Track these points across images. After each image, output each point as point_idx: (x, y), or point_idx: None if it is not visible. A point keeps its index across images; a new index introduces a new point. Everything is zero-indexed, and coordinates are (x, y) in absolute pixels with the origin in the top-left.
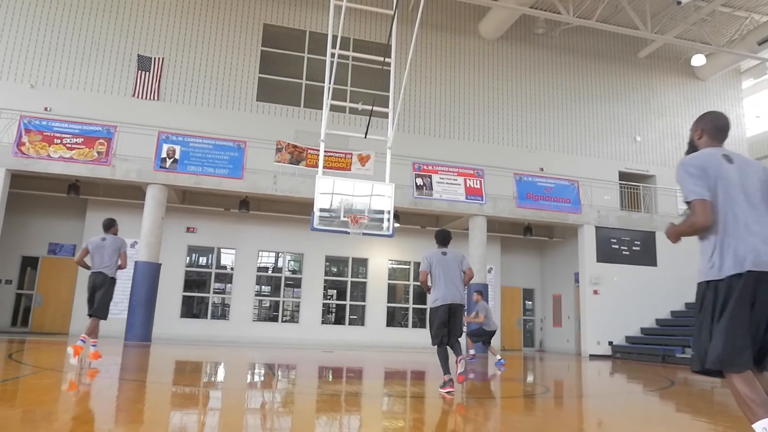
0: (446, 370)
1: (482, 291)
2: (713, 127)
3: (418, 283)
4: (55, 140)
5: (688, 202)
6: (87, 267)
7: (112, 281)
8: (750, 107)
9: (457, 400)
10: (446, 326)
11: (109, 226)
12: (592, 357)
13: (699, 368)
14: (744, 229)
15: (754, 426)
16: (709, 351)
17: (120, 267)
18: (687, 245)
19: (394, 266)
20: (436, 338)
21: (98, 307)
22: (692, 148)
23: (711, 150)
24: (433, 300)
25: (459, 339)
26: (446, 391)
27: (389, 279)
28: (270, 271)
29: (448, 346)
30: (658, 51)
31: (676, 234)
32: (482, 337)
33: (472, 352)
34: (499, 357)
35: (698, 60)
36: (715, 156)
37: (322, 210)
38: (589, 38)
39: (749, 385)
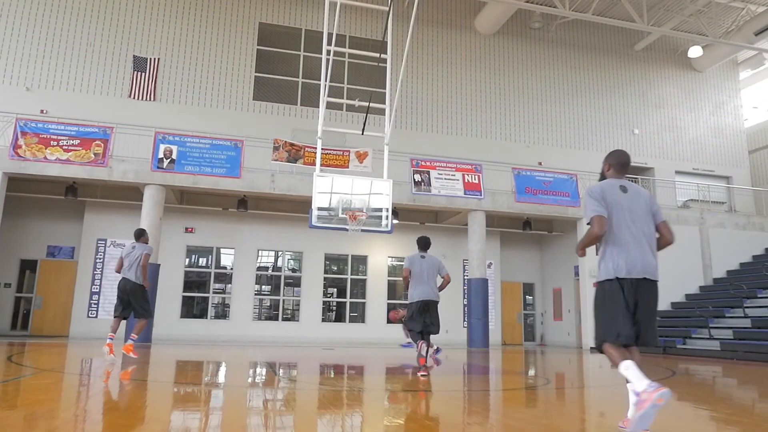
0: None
1: None
2: (618, 163)
3: None
4: (52, 142)
5: (589, 221)
6: None
7: (141, 287)
8: (748, 98)
9: (456, 393)
10: (423, 317)
11: (140, 235)
12: (594, 350)
13: (598, 343)
14: (626, 245)
15: (620, 369)
16: (603, 336)
17: (141, 266)
18: (687, 238)
19: (394, 263)
20: (415, 328)
21: (139, 311)
22: (603, 177)
23: (612, 181)
24: (410, 296)
25: (433, 333)
26: (420, 355)
27: (389, 276)
28: (270, 270)
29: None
30: (654, 43)
31: (581, 247)
32: None
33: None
34: (410, 340)
35: (695, 52)
36: (613, 186)
37: (320, 208)
38: (586, 32)
39: (616, 349)
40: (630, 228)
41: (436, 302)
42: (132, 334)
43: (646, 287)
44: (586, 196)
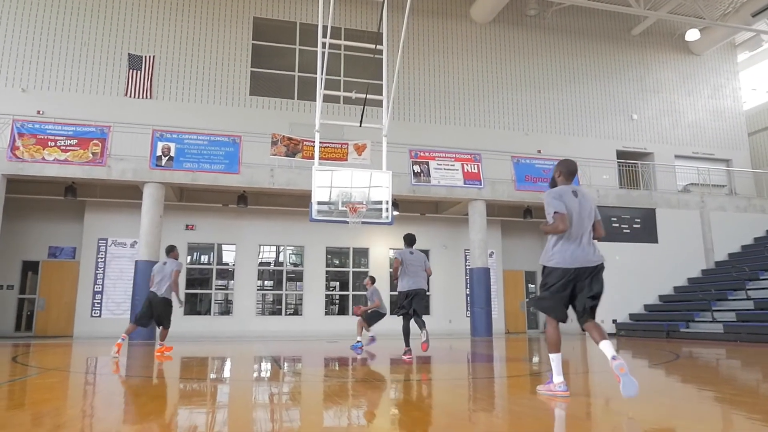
0: (407, 343)
1: (374, 278)
2: (567, 171)
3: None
4: (49, 143)
5: (553, 215)
6: None
7: (166, 301)
8: (746, 80)
9: (460, 381)
10: (412, 303)
11: (169, 251)
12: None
13: (537, 309)
14: (574, 241)
15: (549, 354)
16: (544, 305)
17: (173, 282)
18: (688, 222)
19: (395, 255)
20: (401, 310)
21: (164, 322)
22: (554, 183)
23: (565, 186)
24: (400, 287)
25: (422, 315)
26: (407, 357)
27: (391, 268)
28: (271, 266)
29: (412, 323)
30: (651, 27)
31: (546, 232)
32: (378, 319)
33: (371, 335)
34: (359, 339)
35: (692, 35)
36: (567, 192)
37: (320, 202)
38: (582, 17)
39: (555, 329)
40: (578, 228)
41: (425, 290)
42: (160, 342)
43: (588, 270)
44: (548, 197)
